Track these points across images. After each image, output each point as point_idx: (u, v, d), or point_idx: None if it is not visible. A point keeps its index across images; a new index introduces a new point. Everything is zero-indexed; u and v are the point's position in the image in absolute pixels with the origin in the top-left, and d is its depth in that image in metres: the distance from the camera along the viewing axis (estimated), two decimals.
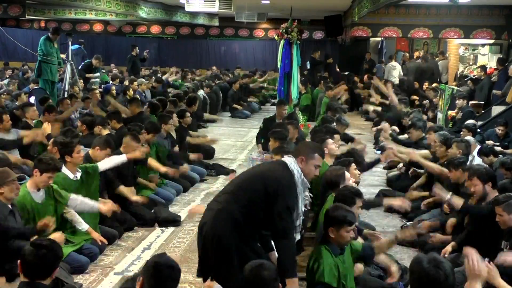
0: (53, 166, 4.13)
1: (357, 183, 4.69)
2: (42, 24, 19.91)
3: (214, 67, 17.13)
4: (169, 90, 12.27)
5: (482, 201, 4.16)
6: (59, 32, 9.78)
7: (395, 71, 14.01)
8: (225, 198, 3.35)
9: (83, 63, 12.21)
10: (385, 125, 7.92)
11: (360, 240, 3.77)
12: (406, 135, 7.82)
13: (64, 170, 4.56)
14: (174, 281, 2.52)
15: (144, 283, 2.49)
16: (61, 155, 4.65)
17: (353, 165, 4.59)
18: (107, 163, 4.93)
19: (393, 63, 14.36)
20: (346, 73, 15.51)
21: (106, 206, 4.57)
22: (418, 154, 5.78)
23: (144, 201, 5.35)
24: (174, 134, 7.16)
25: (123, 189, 5.27)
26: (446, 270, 2.40)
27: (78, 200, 4.40)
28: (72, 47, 10.67)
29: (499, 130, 7.29)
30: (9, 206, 3.81)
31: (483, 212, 4.04)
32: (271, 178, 3.34)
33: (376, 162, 5.97)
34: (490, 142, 7.00)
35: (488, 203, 4.07)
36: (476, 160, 5.88)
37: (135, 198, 5.30)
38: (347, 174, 4.25)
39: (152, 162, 5.83)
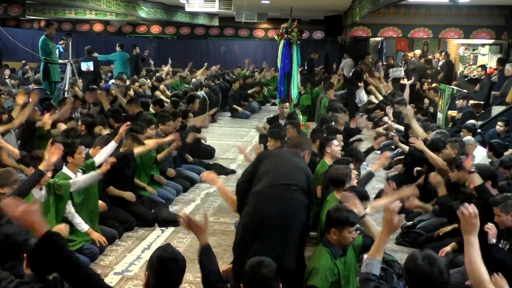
0: None
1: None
2: (42, 24, 19.89)
3: (214, 67, 17.08)
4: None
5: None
6: (51, 22, 9.71)
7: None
8: (292, 189, 3.58)
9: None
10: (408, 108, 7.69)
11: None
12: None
13: (66, 170, 4.56)
14: (179, 273, 2.51)
15: (149, 279, 2.48)
16: (63, 156, 4.64)
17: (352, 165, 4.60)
18: (102, 155, 4.95)
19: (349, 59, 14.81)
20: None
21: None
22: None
23: (132, 198, 5.42)
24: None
25: (113, 190, 5.35)
26: (441, 267, 2.40)
27: (80, 181, 4.46)
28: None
29: (498, 126, 7.08)
30: None
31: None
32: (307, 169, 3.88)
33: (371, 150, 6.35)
34: (508, 152, 6.07)
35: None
36: (476, 161, 5.88)
37: (127, 194, 5.37)
38: (352, 174, 4.25)
39: (137, 182, 5.86)
